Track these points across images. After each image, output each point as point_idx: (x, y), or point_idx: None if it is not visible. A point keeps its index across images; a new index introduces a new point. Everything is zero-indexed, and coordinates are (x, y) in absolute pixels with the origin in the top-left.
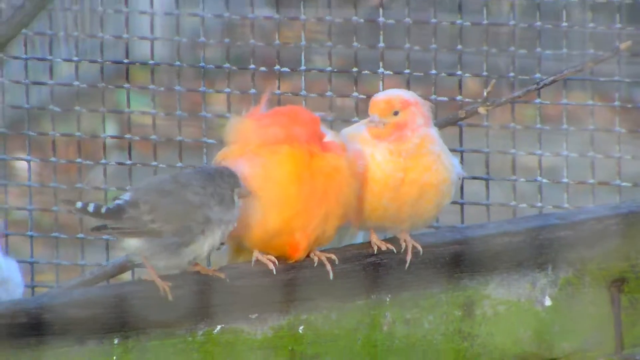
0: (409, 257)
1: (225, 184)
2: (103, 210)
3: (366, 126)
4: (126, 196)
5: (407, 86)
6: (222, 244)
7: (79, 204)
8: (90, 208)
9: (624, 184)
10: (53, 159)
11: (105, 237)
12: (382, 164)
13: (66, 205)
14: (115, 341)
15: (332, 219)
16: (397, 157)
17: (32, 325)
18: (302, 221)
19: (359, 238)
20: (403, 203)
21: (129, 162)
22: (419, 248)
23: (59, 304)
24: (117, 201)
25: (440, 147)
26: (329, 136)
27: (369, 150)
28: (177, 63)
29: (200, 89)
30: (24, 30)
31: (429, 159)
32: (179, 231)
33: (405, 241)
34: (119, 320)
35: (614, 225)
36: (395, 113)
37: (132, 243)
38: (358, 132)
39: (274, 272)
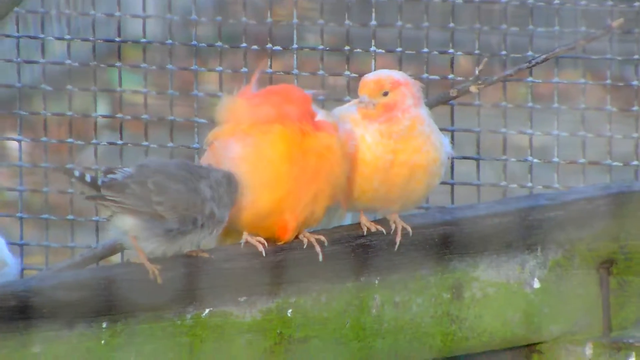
0: (398, 238)
1: (232, 190)
2: (100, 181)
3: (356, 106)
4: (126, 172)
5: (399, 64)
6: None
7: (77, 172)
8: (88, 178)
9: (614, 163)
10: (44, 138)
11: (95, 218)
12: (372, 146)
13: (66, 173)
14: (104, 325)
15: (322, 199)
16: (387, 139)
17: (21, 309)
18: (292, 201)
19: (348, 219)
20: (393, 184)
21: (120, 142)
22: (409, 229)
23: (48, 286)
24: (113, 175)
25: (430, 127)
26: (321, 115)
27: (360, 132)
28: (169, 41)
29: (192, 67)
30: (15, 9)
31: (419, 140)
32: (183, 219)
33: (394, 222)
34: (107, 303)
35: (604, 206)
36: (385, 93)
37: (128, 221)
38: (349, 112)
39: (264, 254)
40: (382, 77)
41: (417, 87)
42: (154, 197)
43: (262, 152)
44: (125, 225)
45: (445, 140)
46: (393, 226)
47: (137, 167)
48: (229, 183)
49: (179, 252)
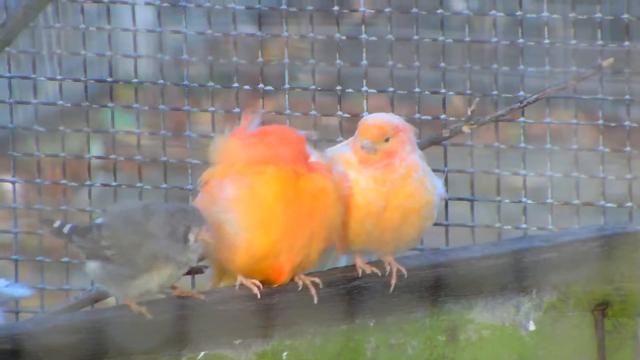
0: (393, 281)
1: (182, 221)
2: (66, 229)
3: (356, 150)
4: (101, 218)
5: (391, 104)
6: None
7: (56, 224)
8: (65, 229)
9: (608, 204)
10: (38, 180)
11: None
12: (366, 192)
13: (44, 225)
14: None
15: (317, 241)
16: (382, 186)
17: (16, 352)
18: (287, 243)
19: (342, 262)
20: (385, 228)
21: (114, 183)
22: (404, 271)
23: (43, 330)
24: (94, 221)
25: (423, 170)
26: (315, 156)
27: (353, 175)
28: (161, 81)
29: (184, 107)
30: (6, 49)
31: (412, 186)
32: (127, 263)
33: (389, 264)
34: (102, 347)
35: (598, 248)
36: (387, 139)
37: (90, 265)
38: (342, 154)
39: (259, 297)
40: (384, 122)
41: (413, 132)
42: (104, 241)
43: (257, 193)
44: (88, 269)
45: (439, 182)
46: (388, 268)
47: (108, 211)
48: (182, 213)
49: (147, 295)
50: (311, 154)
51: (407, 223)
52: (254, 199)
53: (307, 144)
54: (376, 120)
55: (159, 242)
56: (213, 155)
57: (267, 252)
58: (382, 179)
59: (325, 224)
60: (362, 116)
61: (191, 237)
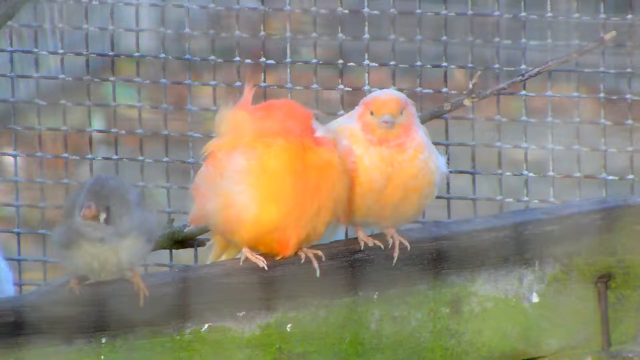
0: (396, 254)
1: (79, 198)
2: None
3: (367, 126)
4: None
5: (393, 78)
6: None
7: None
8: None
9: (610, 177)
10: (39, 154)
11: None
12: (369, 169)
13: None
14: (103, 340)
15: (324, 214)
16: (387, 165)
17: (19, 324)
18: (295, 216)
19: (341, 234)
20: (385, 204)
21: (115, 157)
22: (406, 244)
23: (46, 302)
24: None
25: (429, 150)
26: (321, 131)
27: (359, 151)
28: (162, 55)
29: (185, 81)
30: (9, 22)
31: (417, 167)
32: (63, 230)
33: (392, 237)
34: (106, 319)
35: (600, 220)
36: (401, 112)
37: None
38: (347, 126)
39: (266, 269)
40: (398, 95)
41: (414, 107)
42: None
43: (267, 165)
44: None
45: (442, 161)
46: (390, 241)
47: None
48: (88, 190)
49: (91, 272)
50: (317, 129)
51: (407, 201)
52: (263, 171)
53: (314, 120)
54: (390, 95)
55: (70, 216)
56: (219, 127)
57: (276, 224)
58: (389, 159)
59: (332, 197)
60: (364, 90)
61: (80, 214)
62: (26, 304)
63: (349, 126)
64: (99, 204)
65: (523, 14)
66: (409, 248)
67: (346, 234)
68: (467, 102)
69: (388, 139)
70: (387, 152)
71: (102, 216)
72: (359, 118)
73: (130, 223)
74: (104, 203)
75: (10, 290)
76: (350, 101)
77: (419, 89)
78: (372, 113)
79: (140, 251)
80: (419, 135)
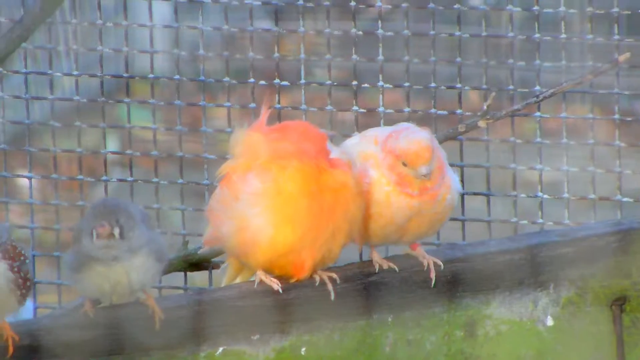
0: (433, 274)
1: (90, 219)
2: None
3: (403, 179)
4: None
5: (407, 99)
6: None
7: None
8: None
9: (625, 199)
10: (54, 175)
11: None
12: (394, 205)
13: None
14: None
15: (339, 236)
16: (413, 210)
17: (34, 348)
18: (310, 238)
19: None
20: (406, 232)
21: (130, 178)
22: (440, 263)
23: (61, 325)
24: None
25: (450, 178)
26: (335, 153)
27: (386, 188)
28: (177, 77)
29: (200, 102)
30: (23, 44)
31: (444, 207)
32: (73, 254)
33: (424, 258)
34: (120, 342)
35: (615, 242)
36: (433, 158)
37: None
38: (369, 152)
39: (280, 292)
40: (427, 141)
41: (436, 141)
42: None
43: (282, 187)
44: None
45: (455, 178)
46: (425, 263)
47: None
48: (94, 213)
49: (102, 294)
50: (332, 150)
51: (429, 230)
52: (278, 193)
53: (328, 141)
54: (420, 143)
55: (82, 239)
56: (234, 149)
57: (291, 247)
58: (417, 208)
59: (347, 219)
60: (378, 111)
61: (94, 234)
62: (41, 328)
63: (370, 151)
64: (110, 220)
65: (537, 35)
66: (442, 267)
67: (360, 256)
68: (481, 123)
69: (427, 187)
70: (416, 203)
71: (117, 231)
72: (390, 169)
73: (139, 239)
74: (114, 218)
75: (27, 313)
76: (364, 122)
77: (433, 110)
78: (404, 164)
79: (150, 270)
80: (447, 172)
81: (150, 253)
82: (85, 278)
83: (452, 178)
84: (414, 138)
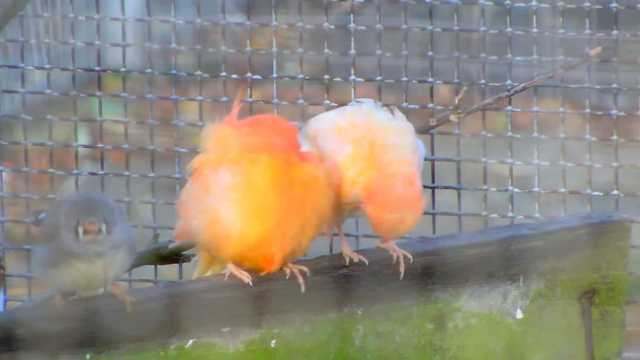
0: (402, 267)
1: (72, 215)
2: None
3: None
4: None
5: (379, 93)
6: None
7: (42, 215)
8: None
9: (595, 193)
10: (25, 169)
11: None
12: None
13: (32, 216)
14: (88, 356)
15: (308, 230)
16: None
17: (4, 340)
18: (280, 232)
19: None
20: None
21: (101, 172)
22: (409, 256)
23: (31, 318)
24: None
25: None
26: (305, 147)
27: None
28: (149, 70)
29: (172, 96)
30: None
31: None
32: (47, 249)
33: (394, 251)
34: (90, 335)
35: (585, 236)
36: None
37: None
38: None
39: (251, 284)
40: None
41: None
42: (40, 228)
43: (252, 181)
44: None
45: (421, 144)
46: (394, 255)
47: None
48: (75, 206)
49: (78, 288)
50: (302, 144)
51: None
52: (248, 187)
53: (298, 134)
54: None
55: (62, 235)
56: (205, 143)
57: (261, 240)
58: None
59: (316, 213)
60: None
61: (79, 230)
62: (11, 320)
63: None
64: (98, 216)
65: (509, 29)
66: (411, 260)
67: (331, 249)
68: (453, 117)
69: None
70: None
71: (104, 227)
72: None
73: (121, 234)
74: (100, 213)
75: None
76: None
77: (405, 104)
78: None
79: (126, 265)
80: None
81: (128, 247)
82: (61, 274)
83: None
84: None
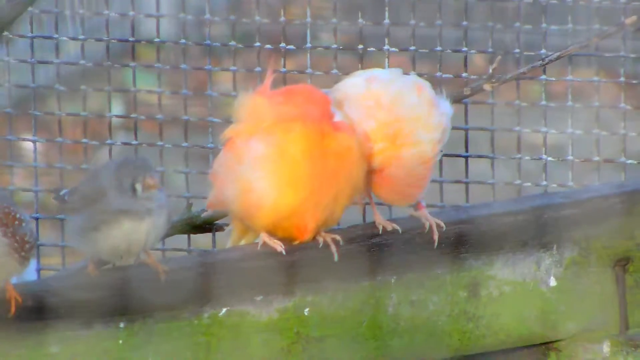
0: (435, 236)
1: (127, 172)
2: (62, 192)
3: None
4: None
5: (413, 63)
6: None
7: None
8: (62, 192)
9: (629, 161)
10: (59, 139)
11: None
12: None
13: (52, 194)
14: (121, 324)
15: (341, 199)
16: None
17: (38, 309)
18: (313, 201)
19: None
20: None
21: (135, 142)
22: (442, 224)
23: (65, 287)
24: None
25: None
26: (339, 116)
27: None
28: (183, 41)
29: (206, 67)
30: (29, 9)
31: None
32: (88, 216)
33: (427, 219)
34: (124, 303)
35: (619, 204)
36: None
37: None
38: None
39: (284, 253)
40: None
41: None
42: (74, 197)
43: (285, 151)
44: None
45: (445, 105)
46: (427, 224)
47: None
48: (126, 167)
49: (117, 253)
50: (335, 114)
51: None
52: (282, 157)
53: (331, 104)
54: None
55: (110, 195)
56: (238, 113)
57: (294, 210)
58: None
59: (350, 183)
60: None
61: (138, 186)
62: (44, 289)
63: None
64: (154, 173)
65: None
66: (444, 228)
67: (364, 218)
68: (487, 86)
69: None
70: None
71: (160, 182)
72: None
73: (164, 194)
74: (154, 171)
75: (30, 274)
76: None
77: (438, 73)
78: None
79: (164, 229)
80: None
81: (168, 212)
82: (103, 238)
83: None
84: None
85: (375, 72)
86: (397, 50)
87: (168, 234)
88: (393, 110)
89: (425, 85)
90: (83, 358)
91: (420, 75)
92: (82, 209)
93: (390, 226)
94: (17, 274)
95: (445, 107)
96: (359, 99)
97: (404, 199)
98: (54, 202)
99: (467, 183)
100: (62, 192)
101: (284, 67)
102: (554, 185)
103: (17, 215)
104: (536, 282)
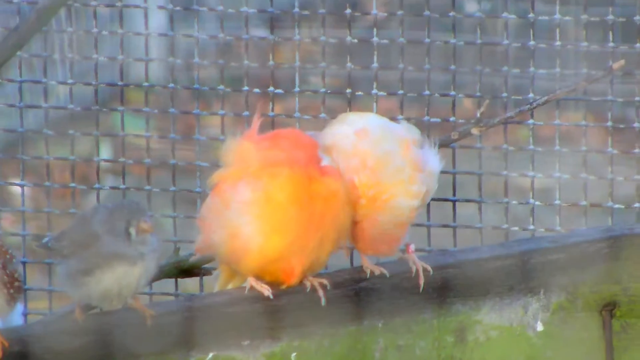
0: (421, 281)
1: (121, 216)
2: (45, 240)
3: None
4: None
5: (401, 107)
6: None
7: (45, 239)
8: (45, 240)
9: (616, 205)
10: (47, 183)
11: None
12: None
13: (34, 242)
14: None
15: (327, 243)
16: None
17: (24, 354)
18: (299, 246)
19: None
20: None
21: (122, 186)
22: (429, 269)
23: (51, 332)
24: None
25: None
26: (326, 161)
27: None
28: (171, 85)
29: (194, 111)
30: (18, 53)
31: None
32: (80, 260)
33: (414, 263)
34: (110, 349)
35: (606, 248)
36: None
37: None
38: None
39: (271, 297)
40: None
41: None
42: (63, 242)
43: (272, 196)
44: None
45: (434, 159)
46: (414, 268)
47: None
48: (120, 210)
49: (108, 298)
50: (323, 158)
51: None
52: (268, 202)
53: (318, 148)
54: None
55: (103, 240)
56: (225, 157)
57: (280, 254)
58: None
59: (335, 227)
60: None
61: (132, 230)
62: (31, 334)
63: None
64: (147, 217)
65: (532, 42)
66: (431, 272)
67: (351, 262)
68: (475, 130)
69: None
70: None
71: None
72: None
73: (156, 238)
74: (147, 215)
75: (17, 319)
76: None
77: (427, 117)
78: None
79: (154, 272)
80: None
81: (159, 255)
82: (95, 282)
83: (431, 159)
84: None
85: (367, 121)
86: (385, 94)
87: (156, 278)
88: (376, 173)
89: (414, 140)
90: None
91: (408, 119)
92: (72, 254)
93: (377, 270)
94: (3, 314)
95: (433, 164)
96: (346, 153)
97: (379, 253)
98: (39, 249)
99: (454, 227)
100: (44, 240)
101: (272, 110)
102: (542, 229)
103: (9, 251)
104: (523, 327)
